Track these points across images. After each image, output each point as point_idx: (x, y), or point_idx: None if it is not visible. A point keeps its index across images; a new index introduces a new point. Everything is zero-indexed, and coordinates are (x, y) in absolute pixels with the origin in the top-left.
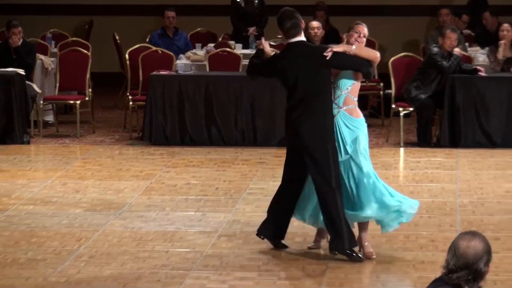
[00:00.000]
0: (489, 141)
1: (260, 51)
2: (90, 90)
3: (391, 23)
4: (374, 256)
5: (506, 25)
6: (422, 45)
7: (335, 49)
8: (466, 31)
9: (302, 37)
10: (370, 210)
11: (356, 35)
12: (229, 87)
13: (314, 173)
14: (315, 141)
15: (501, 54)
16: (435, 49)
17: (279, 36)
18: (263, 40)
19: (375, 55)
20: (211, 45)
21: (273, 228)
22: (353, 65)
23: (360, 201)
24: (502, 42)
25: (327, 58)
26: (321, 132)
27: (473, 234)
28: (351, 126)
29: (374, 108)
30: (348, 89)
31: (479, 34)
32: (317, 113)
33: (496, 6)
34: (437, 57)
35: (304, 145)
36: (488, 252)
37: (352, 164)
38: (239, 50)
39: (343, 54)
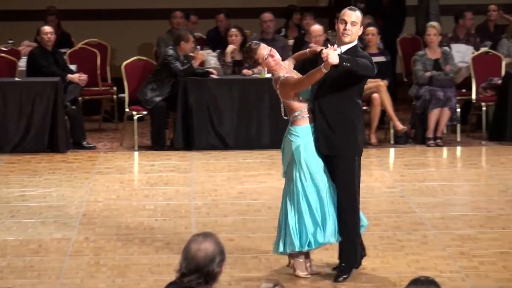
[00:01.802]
0: (222, 143)
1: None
2: None
3: (124, 27)
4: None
5: (234, 30)
6: (155, 48)
7: None
8: (198, 34)
9: None
10: None
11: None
12: None
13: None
14: None
15: (228, 57)
16: (170, 51)
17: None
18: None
19: None
20: None
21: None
22: None
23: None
24: (230, 46)
25: None
26: None
27: (205, 236)
28: None
29: (107, 112)
30: None
31: (211, 36)
32: None
33: (229, 8)
34: (171, 59)
35: None
36: (220, 253)
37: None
38: None
39: None
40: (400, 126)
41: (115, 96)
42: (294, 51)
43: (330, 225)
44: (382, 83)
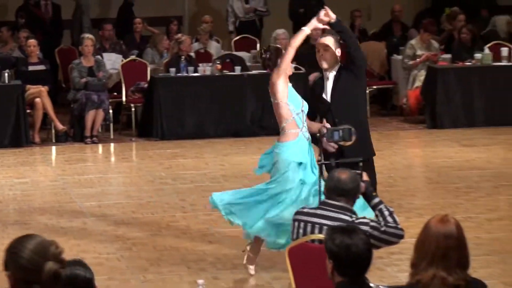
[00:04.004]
0: None
1: None
2: None
3: None
4: None
5: None
6: None
7: None
8: None
9: None
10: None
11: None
12: None
13: None
14: None
15: None
16: None
17: None
18: None
19: None
20: None
21: None
22: None
23: None
24: None
25: None
26: None
27: None
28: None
29: None
30: None
31: None
32: None
33: None
34: None
35: None
36: None
37: None
38: None
39: None
40: (60, 126)
41: None
42: None
43: None
44: (43, 89)
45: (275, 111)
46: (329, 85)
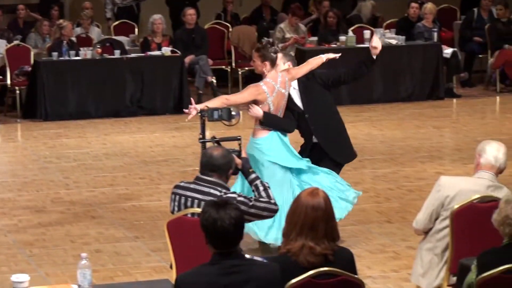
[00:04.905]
0: None
1: None
2: None
3: None
4: None
5: None
6: None
7: None
8: None
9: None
10: None
11: None
12: None
13: None
14: None
15: None
16: None
17: None
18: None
19: None
20: None
21: None
22: None
23: None
24: None
25: None
26: None
27: None
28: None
29: None
30: None
31: None
32: None
33: None
34: None
35: None
36: None
37: None
38: None
39: None
40: None
41: None
42: None
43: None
44: None
45: (287, 102)
46: (295, 93)
